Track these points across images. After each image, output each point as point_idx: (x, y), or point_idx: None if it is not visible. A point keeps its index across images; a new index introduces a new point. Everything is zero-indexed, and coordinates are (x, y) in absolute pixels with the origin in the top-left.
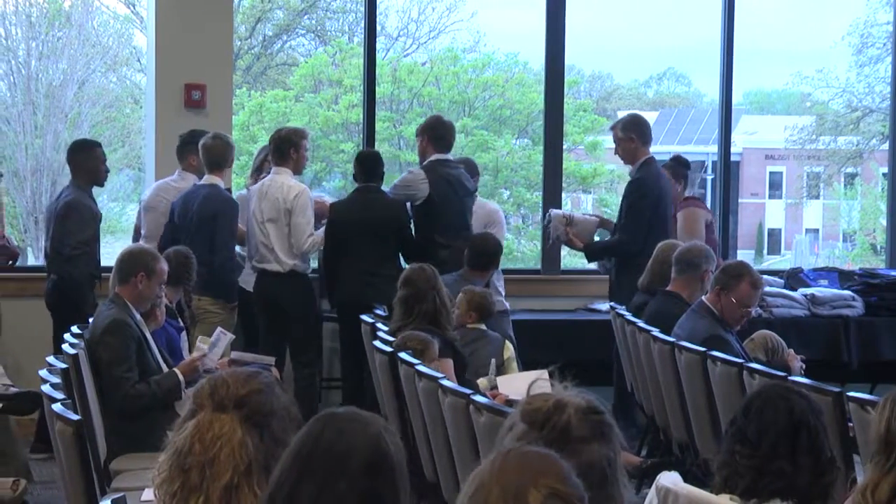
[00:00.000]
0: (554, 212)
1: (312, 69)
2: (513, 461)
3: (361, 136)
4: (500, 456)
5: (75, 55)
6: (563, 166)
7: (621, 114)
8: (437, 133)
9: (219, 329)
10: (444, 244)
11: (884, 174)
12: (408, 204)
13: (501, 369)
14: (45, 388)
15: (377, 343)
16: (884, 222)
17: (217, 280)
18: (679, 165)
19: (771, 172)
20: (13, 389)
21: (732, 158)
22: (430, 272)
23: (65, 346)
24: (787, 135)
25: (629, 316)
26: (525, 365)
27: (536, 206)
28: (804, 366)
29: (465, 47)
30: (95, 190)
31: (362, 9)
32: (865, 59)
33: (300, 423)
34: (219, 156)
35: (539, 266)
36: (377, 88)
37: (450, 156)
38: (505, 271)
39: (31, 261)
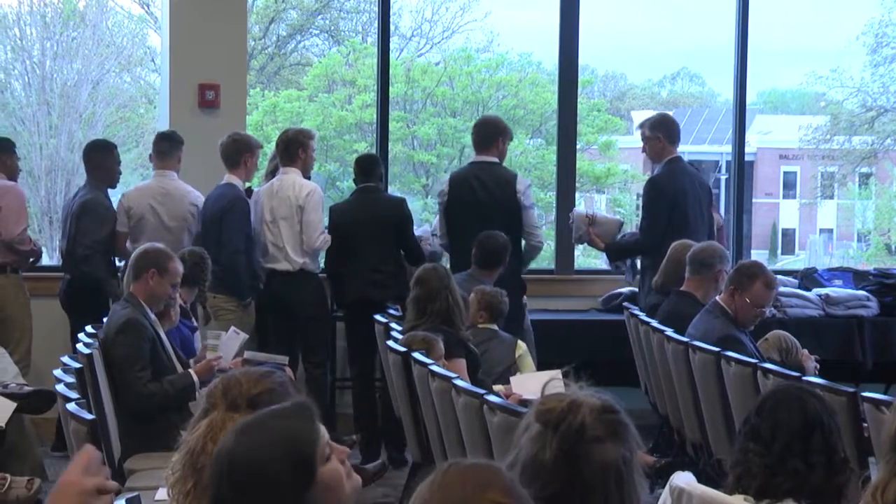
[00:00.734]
0: (577, 211)
1: (326, 69)
2: (454, 475)
3: (375, 136)
4: (440, 471)
5: (90, 55)
6: (577, 166)
7: (635, 114)
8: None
9: (232, 328)
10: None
11: None
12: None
13: (515, 367)
14: (60, 387)
15: (390, 343)
16: None
17: (228, 277)
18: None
19: (785, 172)
20: (27, 388)
21: (746, 158)
22: (443, 272)
23: (79, 346)
24: (801, 134)
25: (643, 316)
26: (539, 365)
27: (550, 205)
28: (818, 366)
29: (478, 47)
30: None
31: (376, 9)
32: (880, 59)
33: None
34: (229, 155)
35: (553, 266)
36: (391, 88)
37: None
38: None
39: (46, 260)
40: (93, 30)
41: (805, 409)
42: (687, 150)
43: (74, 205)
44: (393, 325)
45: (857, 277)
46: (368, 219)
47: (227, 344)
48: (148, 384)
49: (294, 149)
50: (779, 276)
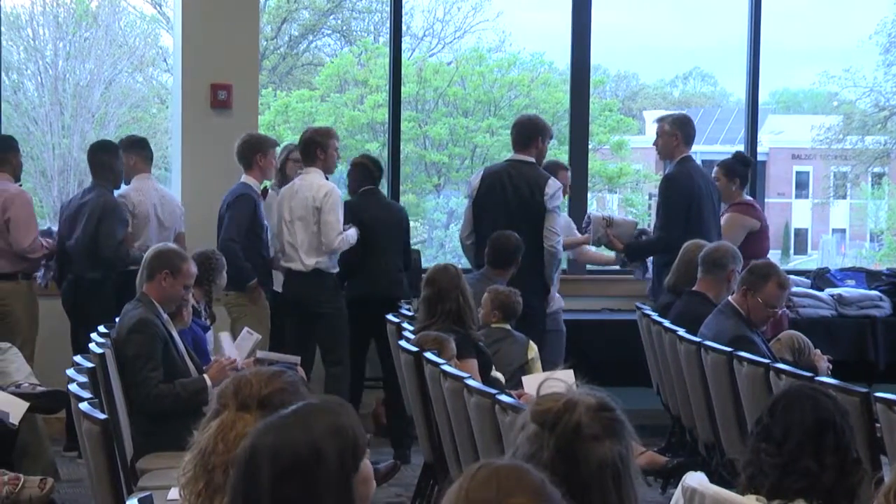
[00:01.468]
0: (594, 213)
1: (338, 69)
2: (482, 478)
3: (387, 135)
4: (469, 473)
5: (102, 55)
6: (589, 166)
7: (647, 114)
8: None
9: (245, 329)
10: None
11: None
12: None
13: (525, 369)
14: (73, 387)
15: (402, 343)
16: None
17: (229, 273)
18: (737, 163)
19: (798, 172)
20: (40, 388)
21: (759, 158)
22: (454, 272)
23: (91, 346)
24: (813, 134)
25: (655, 316)
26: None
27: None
28: (831, 366)
29: (490, 47)
30: None
31: (388, 9)
32: (893, 59)
33: None
34: (241, 156)
35: (565, 265)
36: (402, 88)
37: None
38: None
39: None
40: (105, 30)
41: (817, 409)
42: (699, 149)
43: (86, 206)
44: (405, 325)
45: (869, 277)
46: (387, 217)
47: (240, 344)
48: (159, 385)
49: (312, 149)
50: (791, 276)
